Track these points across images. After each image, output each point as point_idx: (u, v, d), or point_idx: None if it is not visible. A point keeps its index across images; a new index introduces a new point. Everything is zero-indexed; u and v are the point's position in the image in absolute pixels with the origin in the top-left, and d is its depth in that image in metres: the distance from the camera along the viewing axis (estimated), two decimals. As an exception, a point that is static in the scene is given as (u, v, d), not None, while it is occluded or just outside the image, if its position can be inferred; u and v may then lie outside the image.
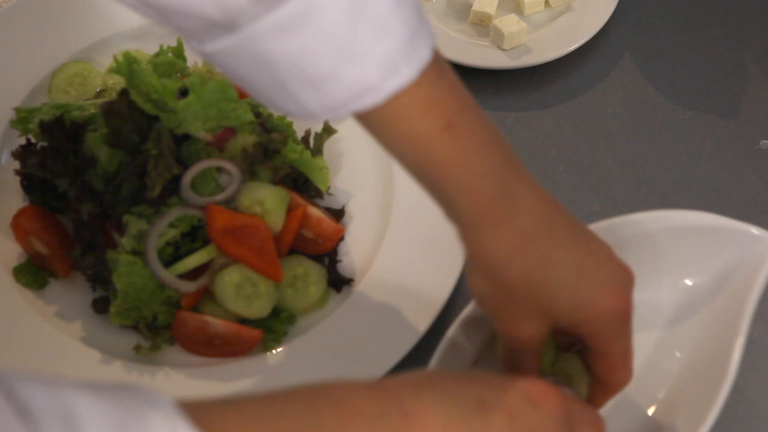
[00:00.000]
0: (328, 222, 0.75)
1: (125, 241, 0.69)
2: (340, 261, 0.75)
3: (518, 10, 0.91)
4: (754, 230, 0.67)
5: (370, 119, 0.52)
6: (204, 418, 0.40)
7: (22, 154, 0.73)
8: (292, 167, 0.75)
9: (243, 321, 0.71)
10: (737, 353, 0.65)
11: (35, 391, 0.36)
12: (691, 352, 0.70)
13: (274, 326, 0.71)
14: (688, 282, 0.71)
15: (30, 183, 0.75)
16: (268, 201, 0.71)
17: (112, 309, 0.69)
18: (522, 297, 0.55)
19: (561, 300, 0.55)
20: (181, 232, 0.70)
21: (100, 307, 0.72)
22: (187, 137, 0.73)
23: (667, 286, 0.71)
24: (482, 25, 0.90)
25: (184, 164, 0.72)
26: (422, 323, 0.70)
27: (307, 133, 0.79)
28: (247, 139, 0.73)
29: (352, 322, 0.72)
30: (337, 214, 0.77)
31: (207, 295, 0.71)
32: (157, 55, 0.77)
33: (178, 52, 0.78)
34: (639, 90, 0.89)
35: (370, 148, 0.81)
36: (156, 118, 0.72)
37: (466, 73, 0.84)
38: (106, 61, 0.82)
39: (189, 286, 0.70)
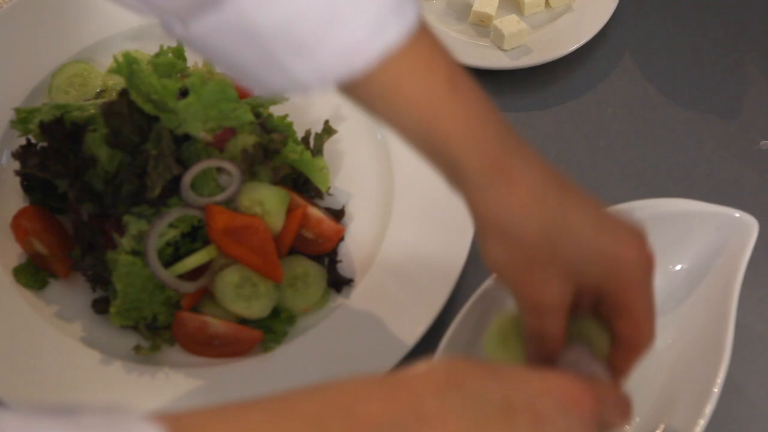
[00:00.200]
0: (328, 222, 0.75)
1: (125, 242, 0.69)
2: (340, 261, 0.75)
3: (518, 10, 0.91)
4: (737, 213, 0.69)
5: (369, 88, 0.51)
6: None
7: (22, 154, 0.73)
8: (292, 167, 0.75)
9: (243, 321, 0.71)
10: (730, 334, 0.66)
11: (9, 424, 0.35)
12: (684, 337, 0.71)
13: (274, 326, 0.71)
14: (675, 267, 0.72)
15: (30, 183, 0.75)
16: (268, 201, 0.71)
17: (112, 309, 0.69)
18: (541, 258, 0.53)
19: (582, 255, 0.53)
20: (181, 232, 0.70)
21: (100, 307, 0.72)
22: (187, 137, 0.73)
23: (655, 272, 0.72)
24: (482, 26, 0.90)
25: (184, 164, 0.72)
26: (422, 324, 0.70)
27: (307, 134, 0.79)
28: (247, 140, 0.73)
29: (352, 322, 0.72)
30: (337, 215, 0.77)
31: (207, 295, 0.71)
32: (157, 55, 0.77)
33: (178, 52, 0.78)
34: (639, 90, 0.89)
35: (371, 148, 0.81)
36: (156, 119, 0.72)
37: (466, 74, 0.85)
38: (106, 62, 0.82)
39: (189, 287, 0.70)
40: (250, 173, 0.72)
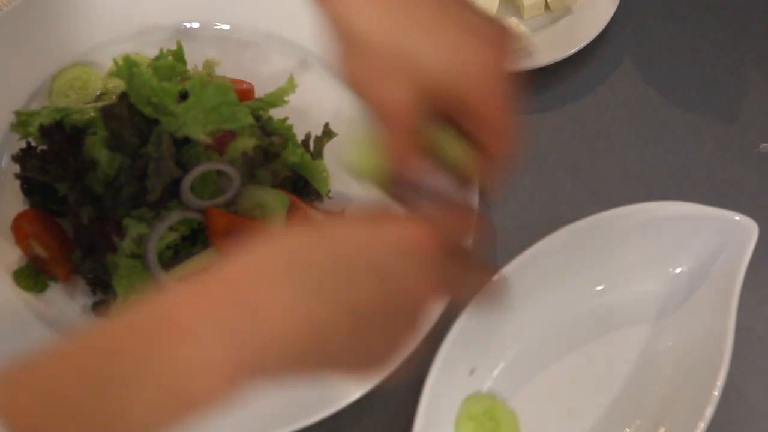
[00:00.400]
0: (328, 225, 0.75)
1: (125, 245, 0.69)
2: (340, 264, 0.75)
3: (518, 13, 0.91)
4: (737, 216, 0.69)
5: None
6: None
7: (22, 157, 0.73)
8: (292, 170, 0.75)
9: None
10: (730, 336, 0.67)
11: None
12: (684, 339, 0.71)
13: (274, 329, 0.71)
14: (675, 270, 0.73)
15: (30, 186, 0.75)
16: (268, 204, 0.71)
17: (113, 312, 0.69)
18: (388, 62, 0.52)
19: (429, 54, 0.52)
20: (181, 235, 0.70)
21: (101, 310, 0.72)
22: (187, 140, 0.73)
23: (655, 276, 0.73)
24: (482, 29, 0.90)
25: (184, 167, 0.72)
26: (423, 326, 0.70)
27: (308, 137, 0.79)
28: (247, 143, 0.73)
29: (352, 325, 0.72)
30: (337, 218, 0.77)
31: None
32: (157, 58, 0.77)
33: (178, 55, 0.78)
34: (639, 93, 0.89)
35: (370, 151, 0.81)
36: (156, 122, 0.72)
37: (466, 77, 0.85)
38: (106, 65, 0.82)
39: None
40: (250, 176, 0.72)
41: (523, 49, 0.56)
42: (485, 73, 0.53)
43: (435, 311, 0.67)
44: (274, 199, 0.72)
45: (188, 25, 0.85)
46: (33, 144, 0.74)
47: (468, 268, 0.54)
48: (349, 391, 0.68)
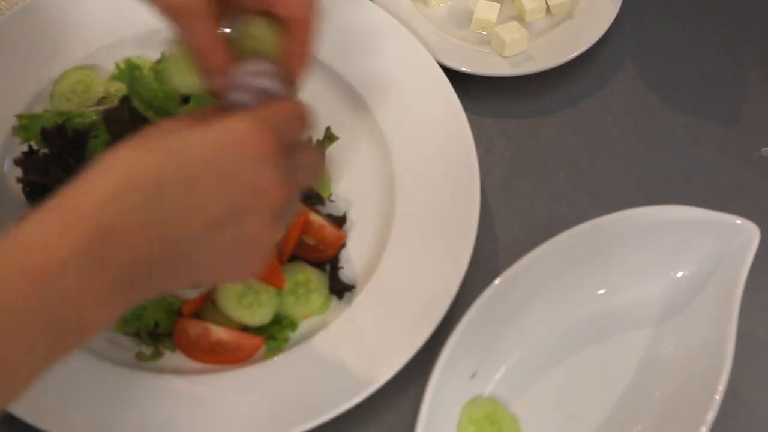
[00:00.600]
0: (329, 229, 0.75)
1: (127, 248, 0.69)
2: (342, 268, 0.75)
3: (520, 17, 0.91)
4: (738, 220, 0.69)
5: None
6: None
7: (24, 161, 0.73)
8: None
9: (244, 328, 0.71)
10: (732, 340, 0.67)
11: None
12: (686, 343, 0.71)
13: (276, 333, 0.71)
14: (676, 274, 0.73)
15: (32, 190, 0.75)
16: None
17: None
18: None
19: None
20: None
21: (102, 313, 0.72)
22: (188, 144, 0.73)
23: (656, 280, 0.73)
24: (484, 32, 0.90)
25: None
26: (424, 330, 0.70)
27: (309, 140, 0.79)
28: (248, 146, 0.73)
29: (354, 329, 0.72)
30: (339, 221, 0.77)
31: (208, 302, 0.71)
32: (158, 62, 0.77)
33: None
34: (640, 97, 0.89)
35: (372, 155, 0.81)
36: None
37: (468, 80, 0.85)
38: (108, 68, 0.82)
39: (190, 293, 0.70)
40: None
41: None
42: None
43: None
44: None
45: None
46: (35, 147, 0.74)
47: (305, 158, 0.54)
48: (350, 395, 0.68)
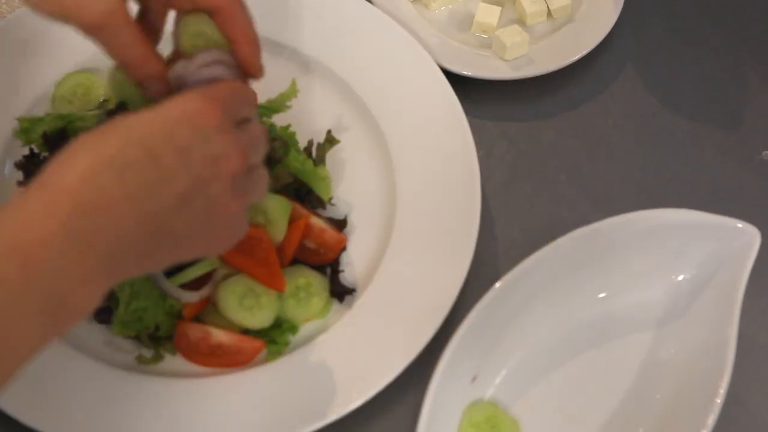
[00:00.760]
0: (330, 232, 0.75)
1: (128, 251, 0.69)
2: (342, 271, 0.75)
3: (521, 20, 0.91)
4: (739, 224, 0.69)
5: None
6: None
7: (25, 164, 0.73)
8: (294, 177, 0.75)
9: (245, 331, 0.71)
10: (733, 344, 0.67)
11: None
12: (686, 347, 0.71)
13: (277, 336, 0.71)
14: (677, 278, 0.73)
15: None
16: (270, 211, 0.71)
17: (115, 319, 0.69)
18: None
19: None
20: (184, 242, 0.70)
21: (103, 317, 0.72)
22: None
23: (657, 284, 0.73)
24: (485, 36, 0.90)
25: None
26: (425, 334, 0.70)
27: (310, 143, 0.79)
28: (249, 150, 0.73)
29: (355, 332, 0.72)
30: (340, 225, 0.77)
31: (209, 305, 0.71)
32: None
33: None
34: (640, 100, 0.89)
35: (373, 158, 0.81)
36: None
37: (469, 84, 0.85)
38: (109, 72, 0.82)
39: (191, 297, 0.70)
40: (252, 183, 0.72)
41: None
42: None
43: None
44: (276, 205, 0.72)
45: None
46: (36, 151, 0.74)
47: (254, 129, 0.57)
48: (351, 398, 0.68)
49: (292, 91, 0.78)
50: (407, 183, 0.78)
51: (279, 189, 0.74)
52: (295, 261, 0.74)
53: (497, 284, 0.68)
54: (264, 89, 0.79)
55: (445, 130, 0.80)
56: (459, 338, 0.67)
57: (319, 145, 0.79)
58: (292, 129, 0.78)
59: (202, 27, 0.61)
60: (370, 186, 0.80)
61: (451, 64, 0.85)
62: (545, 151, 0.86)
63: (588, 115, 0.88)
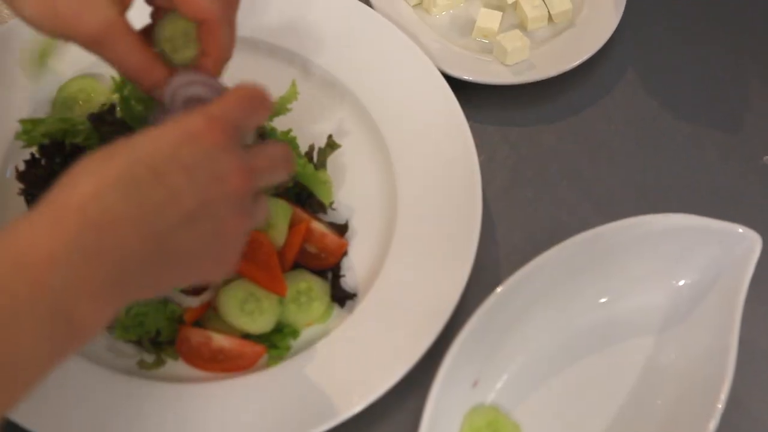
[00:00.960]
0: (331, 237, 0.75)
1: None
2: (344, 276, 0.75)
3: (521, 25, 0.91)
4: (740, 229, 0.69)
5: None
6: None
7: (25, 175, 0.73)
8: (295, 181, 0.75)
9: (246, 336, 0.71)
10: (734, 349, 0.67)
11: None
12: (688, 352, 0.71)
13: (278, 341, 0.71)
14: (678, 283, 0.73)
15: (34, 198, 0.75)
16: (271, 214, 0.71)
17: (116, 324, 0.69)
18: None
19: None
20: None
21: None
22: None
23: (658, 289, 0.73)
24: (486, 41, 0.90)
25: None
26: (426, 339, 0.70)
27: (311, 148, 0.79)
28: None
29: (355, 337, 0.72)
30: (341, 229, 0.77)
31: (210, 310, 0.71)
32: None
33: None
34: (642, 105, 0.89)
35: (374, 163, 0.81)
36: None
37: (470, 89, 0.85)
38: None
39: (192, 301, 0.70)
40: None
41: None
42: None
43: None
44: (277, 209, 0.72)
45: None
46: (37, 156, 0.74)
47: (269, 149, 0.56)
48: (352, 403, 0.68)
49: (292, 94, 0.78)
50: (408, 187, 0.79)
51: (280, 193, 0.74)
52: (296, 265, 0.74)
53: (498, 289, 0.68)
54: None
55: (446, 134, 0.80)
56: (460, 343, 0.67)
57: (320, 149, 0.79)
58: (293, 133, 0.78)
59: (179, 33, 0.61)
60: (371, 190, 0.80)
61: (452, 69, 0.85)
62: (546, 155, 0.86)
63: (589, 119, 0.88)
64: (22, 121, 0.75)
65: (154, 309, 0.69)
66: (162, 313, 0.70)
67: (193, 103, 0.59)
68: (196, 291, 0.70)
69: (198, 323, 0.71)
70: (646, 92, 0.90)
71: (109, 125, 0.71)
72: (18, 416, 0.65)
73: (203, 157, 0.51)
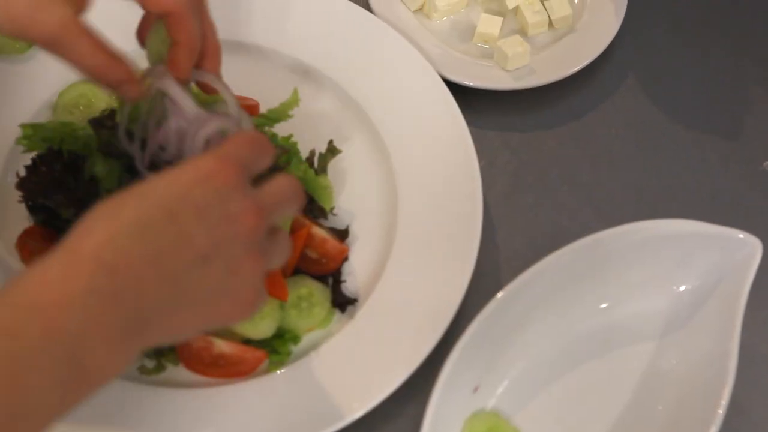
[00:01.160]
0: (332, 242, 0.75)
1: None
2: (344, 281, 0.75)
3: (522, 31, 0.91)
4: (741, 234, 0.69)
5: None
6: None
7: (24, 183, 0.72)
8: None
9: (247, 341, 0.71)
10: (735, 355, 0.67)
11: None
12: (688, 358, 0.71)
13: (279, 347, 0.71)
14: (679, 288, 0.73)
15: (35, 204, 0.75)
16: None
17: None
18: None
19: None
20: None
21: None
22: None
23: (658, 294, 0.73)
24: (486, 46, 0.90)
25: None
26: (426, 344, 0.70)
27: (312, 153, 0.79)
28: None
29: (356, 342, 0.72)
30: (342, 235, 0.77)
31: (211, 315, 0.71)
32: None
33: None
34: (642, 110, 0.89)
35: (375, 168, 0.81)
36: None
37: (470, 94, 0.85)
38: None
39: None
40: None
41: None
42: None
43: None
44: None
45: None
46: (38, 162, 0.74)
47: (277, 184, 0.56)
48: (352, 409, 0.68)
49: (293, 100, 0.78)
50: (409, 193, 0.79)
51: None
52: (297, 271, 0.74)
53: (499, 294, 0.68)
54: (266, 98, 0.80)
55: (447, 139, 0.80)
56: (461, 349, 0.67)
57: (320, 154, 0.79)
58: (293, 139, 0.78)
59: (156, 37, 0.62)
60: (372, 196, 0.80)
61: (453, 75, 0.85)
62: (547, 160, 0.86)
63: (589, 124, 0.88)
64: (23, 126, 0.75)
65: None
66: (163, 319, 0.70)
67: (216, 138, 0.61)
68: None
69: (199, 328, 0.71)
70: (646, 97, 0.90)
71: (109, 130, 0.71)
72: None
73: (214, 197, 0.50)
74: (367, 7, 0.89)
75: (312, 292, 0.73)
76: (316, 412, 0.68)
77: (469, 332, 0.67)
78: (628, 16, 0.91)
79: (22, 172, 0.73)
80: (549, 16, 0.91)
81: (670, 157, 0.86)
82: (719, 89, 0.91)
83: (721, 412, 0.65)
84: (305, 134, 0.80)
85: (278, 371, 0.70)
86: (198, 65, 0.65)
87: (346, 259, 0.76)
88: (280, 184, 0.56)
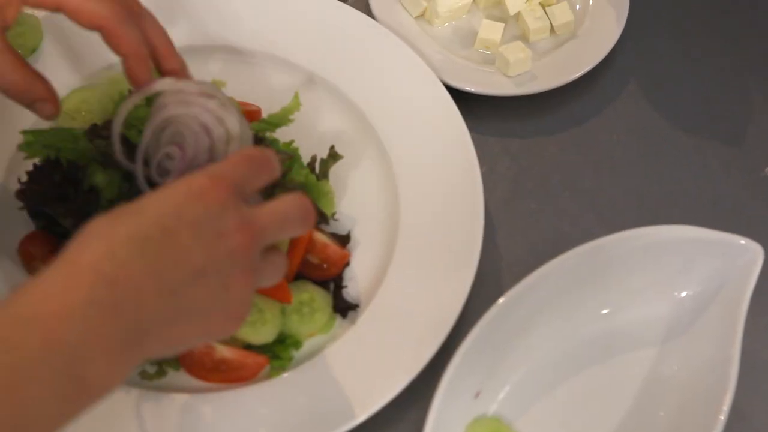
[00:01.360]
0: (333, 247, 0.75)
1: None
2: (346, 287, 0.75)
3: (524, 37, 0.91)
4: (742, 240, 0.69)
5: None
6: None
7: (24, 192, 0.72)
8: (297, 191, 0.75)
9: (248, 347, 0.71)
10: (736, 361, 0.67)
11: None
12: (690, 364, 0.71)
13: (280, 352, 0.71)
14: (680, 294, 0.73)
15: (36, 210, 0.75)
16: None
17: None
18: None
19: None
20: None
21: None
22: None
23: (660, 300, 0.73)
24: (488, 52, 0.90)
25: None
26: (428, 350, 0.70)
27: (313, 159, 0.79)
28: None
29: (358, 347, 0.72)
30: (343, 240, 0.77)
31: (212, 320, 0.71)
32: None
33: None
34: (644, 116, 0.89)
35: (376, 174, 0.81)
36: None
37: (472, 100, 0.85)
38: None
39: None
40: (255, 197, 0.72)
41: None
42: None
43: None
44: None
45: (193, 45, 0.84)
46: (37, 171, 0.74)
47: (282, 203, 0.57)
48: (353, 415, 0.68)
49: (294, 105, 0.78)
50: (410, 198, 0.79)
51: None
52: (298, 276, 0.74)
53: (500, 300, 0.68)
54: (267, 103, 0.80)
55: (448, 145, 0.80)
56: (462, 354, 0.67)
57: (322, 160, 0.79)
58: (295, 144, 0.78)
59: None
60: (373, 201, 0.80)
61: (454, 80, 0.85)
62: (548, 166, 0.86)
63: (591, 130, 0.88)
64: (25, 132, 0.75)
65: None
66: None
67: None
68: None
69: (200, 334, 0.71)
70: (648, 103, 0.90)
71: (105, 140, 0.71)
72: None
73: (204, 215, 0.51)
74: (369, 12, 0.89)
75: (313, 297, 0.73)
76: (317, 417, 0.68)
77: (470, 338, 0.67)
78: (629, 22, 0.91)
79: (24, 178, 0.73)
80: (551, 22, 0.91)
81: (672, 163, 0.87)
82: (721, 95, 0.91)
83: (722, 418, 0.65)
84: (307, 140, 0.80)
85: (280, 377, 0.70)
86: (159, 70, 0.66)
87: (347, 264, 0.76)
88: (285, 202, 0.56)
